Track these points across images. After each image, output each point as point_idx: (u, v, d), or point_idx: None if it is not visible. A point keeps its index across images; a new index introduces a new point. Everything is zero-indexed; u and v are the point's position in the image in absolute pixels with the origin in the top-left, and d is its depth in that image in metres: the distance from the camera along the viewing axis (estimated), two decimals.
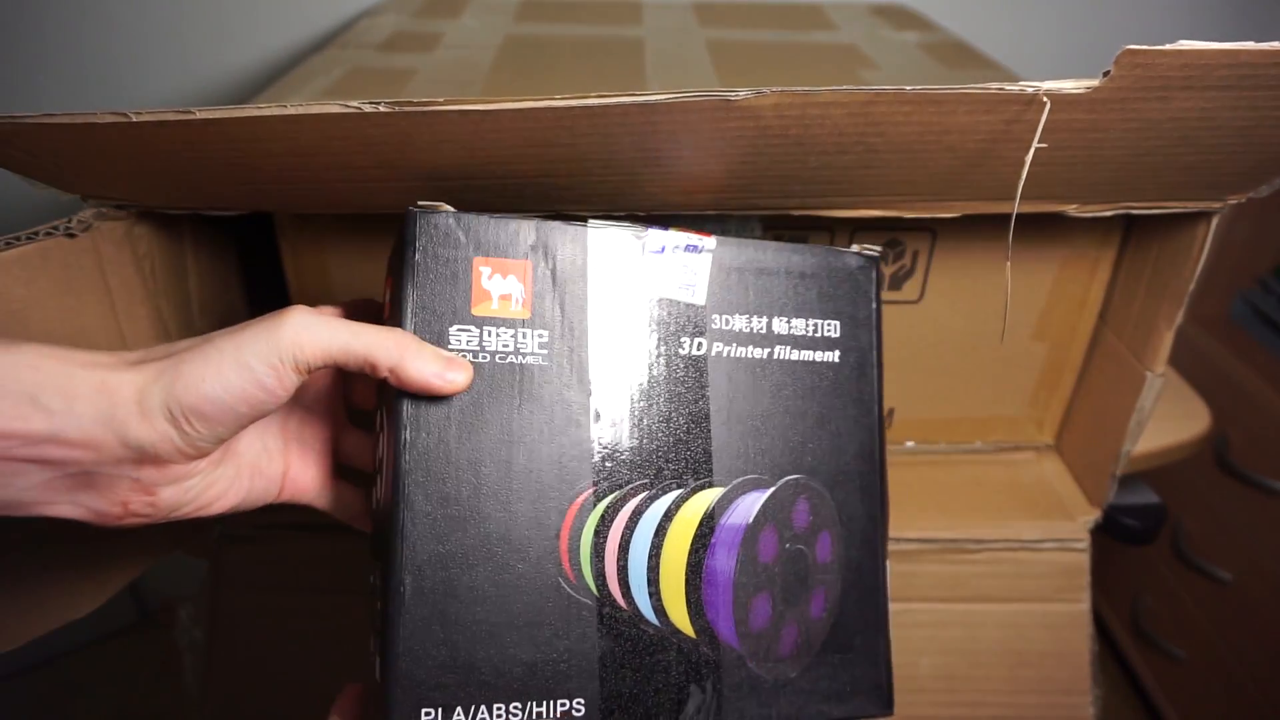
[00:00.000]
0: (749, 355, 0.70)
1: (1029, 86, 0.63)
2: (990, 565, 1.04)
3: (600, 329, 0.66)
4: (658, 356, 0.68)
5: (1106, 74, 0.61)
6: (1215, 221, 0.85)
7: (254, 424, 0.64)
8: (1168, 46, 0.59)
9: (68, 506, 0.58)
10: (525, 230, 0.65)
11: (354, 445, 0.75)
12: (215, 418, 0.57)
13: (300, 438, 0.72)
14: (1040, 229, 0.93)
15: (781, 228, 0.94)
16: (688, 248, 0.69)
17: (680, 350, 0.68)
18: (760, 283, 0.71)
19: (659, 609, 0.65)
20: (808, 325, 0.72)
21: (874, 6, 1.45)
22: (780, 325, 0.71)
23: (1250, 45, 0.59)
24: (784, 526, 0.69)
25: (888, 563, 0.74)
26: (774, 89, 0.62)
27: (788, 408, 0.71)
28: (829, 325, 0.72)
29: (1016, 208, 0.71)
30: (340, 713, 0.63)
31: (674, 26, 1.25)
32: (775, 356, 0.71)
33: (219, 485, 0.64)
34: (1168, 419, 1.20)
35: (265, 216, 0.90)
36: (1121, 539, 1.14)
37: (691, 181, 0.75)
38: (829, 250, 0.74)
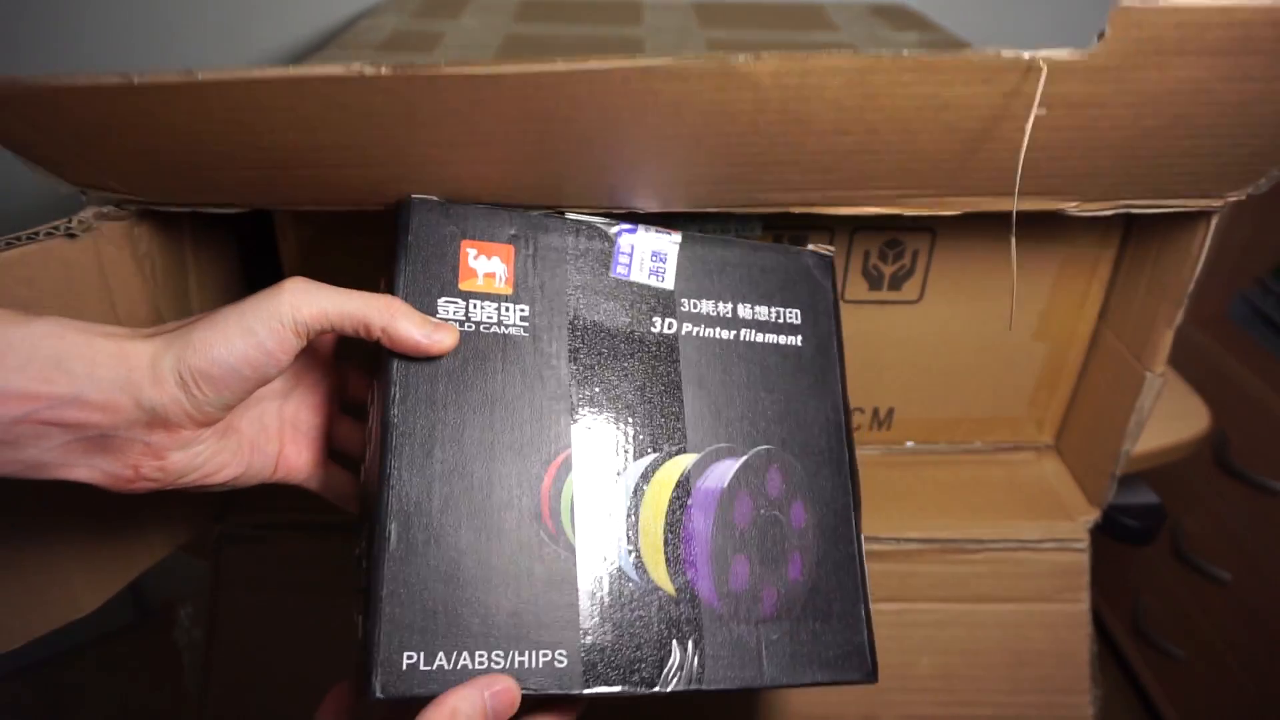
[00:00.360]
0: (717, 335, 0.75)
1: (1026, 53, 0.63)
2: (990, 565, 1.04)
3: (577, 308, 0.72)
4: (631, 333, 0.72)
5: (1101, 36, 0.62)
6: (1215, 221, 0.85)
7: (254, 404, 0.71)
8: (1162, 4, 0.59)
9: (84, 469, 0.62)
10: (508, 219, 0.72)
11: (346, 432, 0.78)
12: (221, 380, 0.61)
13: (296, 420, 0.75)
14: (1040, 229, 0.93)
15: (782, 227, 0.94)
16: (655, 236, 0.76)
17: (652, 328, 0.73)
18: (725, 272, 0.78)
19: (639, 565, 0.66)
20: (770, 311, 0.77)
21: (874, 6, 1.46)
22: (745, 310, 0.77)
23: (1246, 2, 0.59)
24: (758, 493, 0.72)
25: (862, 536, 0.76)
26: (774, 53, 0.63)
27: (755, 384, 0.75)
28: (790, 313, 0.78)
29: (1018, 186, 0.71)
30: (323, 714, 0.64)
31: (674, 26, 1.25)
32: (741, 338, 0.76)
33: (222, 456, 0.68)
34: (1167, 419, 1.20)
35: (265, 218, 0.90)
36: (1121, 539, 1.15)
37: (691, 170, 0.75)
38: (786, 248, 0.81)
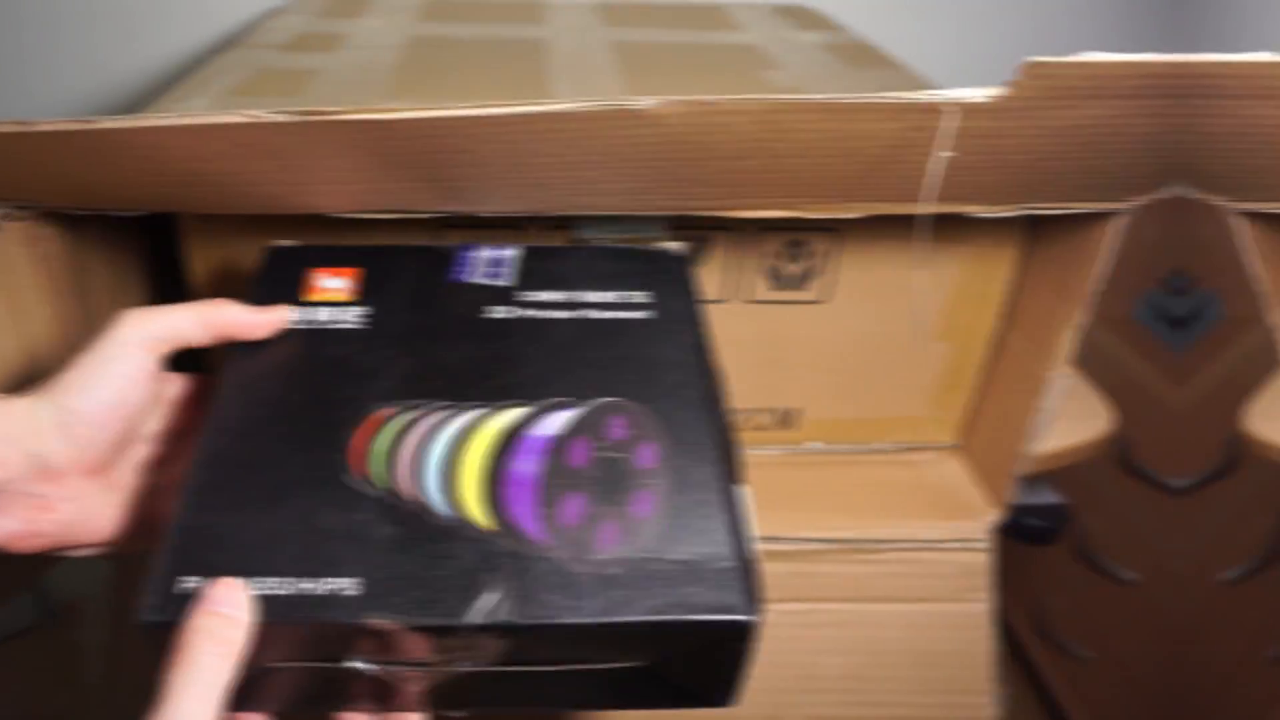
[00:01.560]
0: (554, 316, 0.77)
1: (933, 96, 0.63)
2: (893, 565, 1.05)
3: (411, 306, 0.77)
4: (463, 319, 0.76)
5: (1009, 84, 0.62)
6: (1118, 222, 0.85)
7: (135, 471, 0.73)
8: (1071, 58, 0.60)
9: None
10: (357, 253, 0.80)
11: None
12: (93, 414, 0.64)
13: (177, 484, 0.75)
14: (944, 228, 0.93)
15: (686, 228, 0.94)
16: (492, 251, 0.82)
17: (483, 315, 0.77)
18: (568, 272, 0.81)
19: (453, 503, 0.64)
20: (617, 296, 0.79)
21: (776, 7, 1.46)
22: (589, 295, 0.79)
23: (1153, 57, 0.60)
24: (597, 438, 0.69)
25: (738, 482, 0.69)
26: (679, 98, 0.63)
27: (597, 349, 0.75)
28: (640, 295, 0.79)
29: (922, 213, 0.72)
30: None
31: (577, 26, 1.25)
32: (581, 316, 0.77)
33: (109, 510, 0.70)
34: (1071, 419, 1.21)
35: (170, 216, 0.89)
36: (1024, 540, 1.16)
37: (593, 186, 0.75)
38: (635, 249, 0.85)
